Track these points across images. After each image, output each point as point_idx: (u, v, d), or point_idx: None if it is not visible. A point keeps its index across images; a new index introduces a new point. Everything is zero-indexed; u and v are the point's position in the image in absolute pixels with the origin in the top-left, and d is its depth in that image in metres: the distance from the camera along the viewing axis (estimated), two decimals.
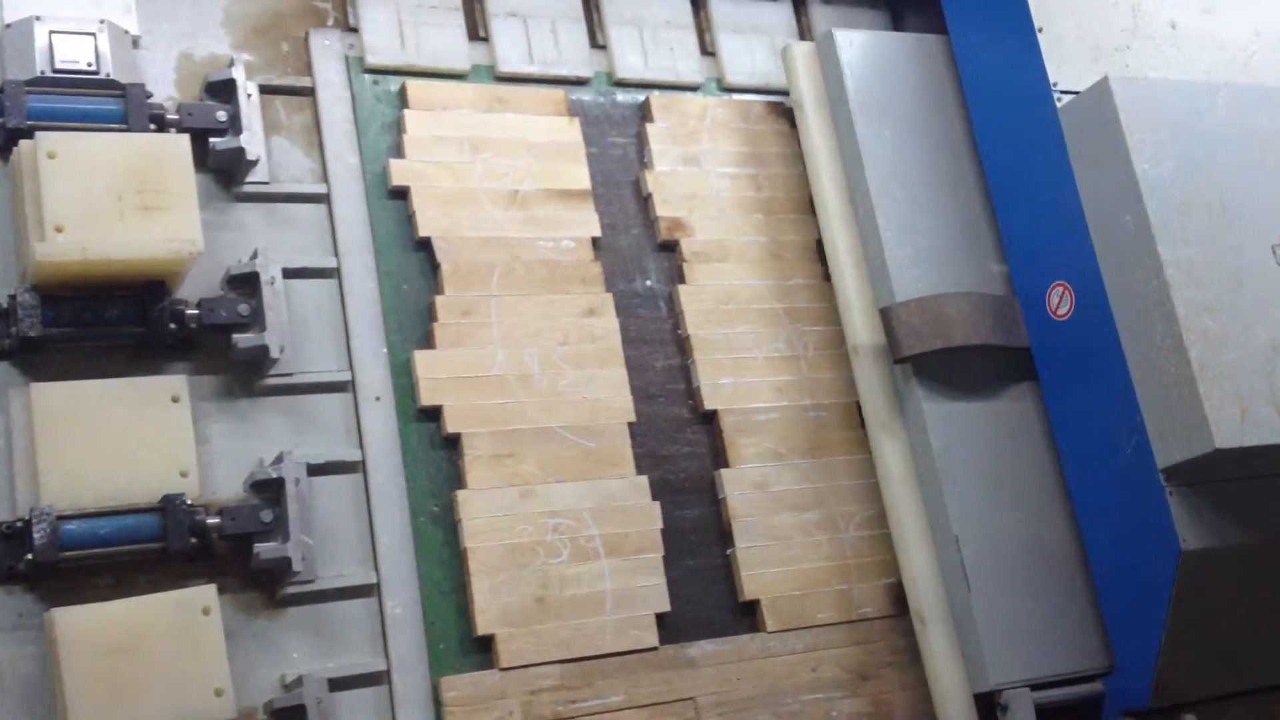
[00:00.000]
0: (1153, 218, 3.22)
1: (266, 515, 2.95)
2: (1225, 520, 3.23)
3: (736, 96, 3.97)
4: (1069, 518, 3.51)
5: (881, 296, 3.60)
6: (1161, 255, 3.20)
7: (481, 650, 3.09)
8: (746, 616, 3.40)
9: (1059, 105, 3.48)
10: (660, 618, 3.27)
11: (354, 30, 3.53)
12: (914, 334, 3.47)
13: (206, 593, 2.81)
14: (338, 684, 2.94)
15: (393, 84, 3.51)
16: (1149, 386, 3.22)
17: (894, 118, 3.77)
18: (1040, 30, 3.56)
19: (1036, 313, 3.53)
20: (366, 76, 3.50)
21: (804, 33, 4.15)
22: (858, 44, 3.81)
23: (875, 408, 3.58)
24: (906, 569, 3.47)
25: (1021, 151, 3.59)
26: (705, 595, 3.39)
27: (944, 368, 3.54)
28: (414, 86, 3.50)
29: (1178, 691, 3.37)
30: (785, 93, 4.01)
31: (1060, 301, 3.46)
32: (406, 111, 3.47)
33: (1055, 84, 3.51)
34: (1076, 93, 3.48)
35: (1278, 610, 3.47)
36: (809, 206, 3.89)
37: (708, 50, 4.01)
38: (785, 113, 3.98)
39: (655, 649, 3.23)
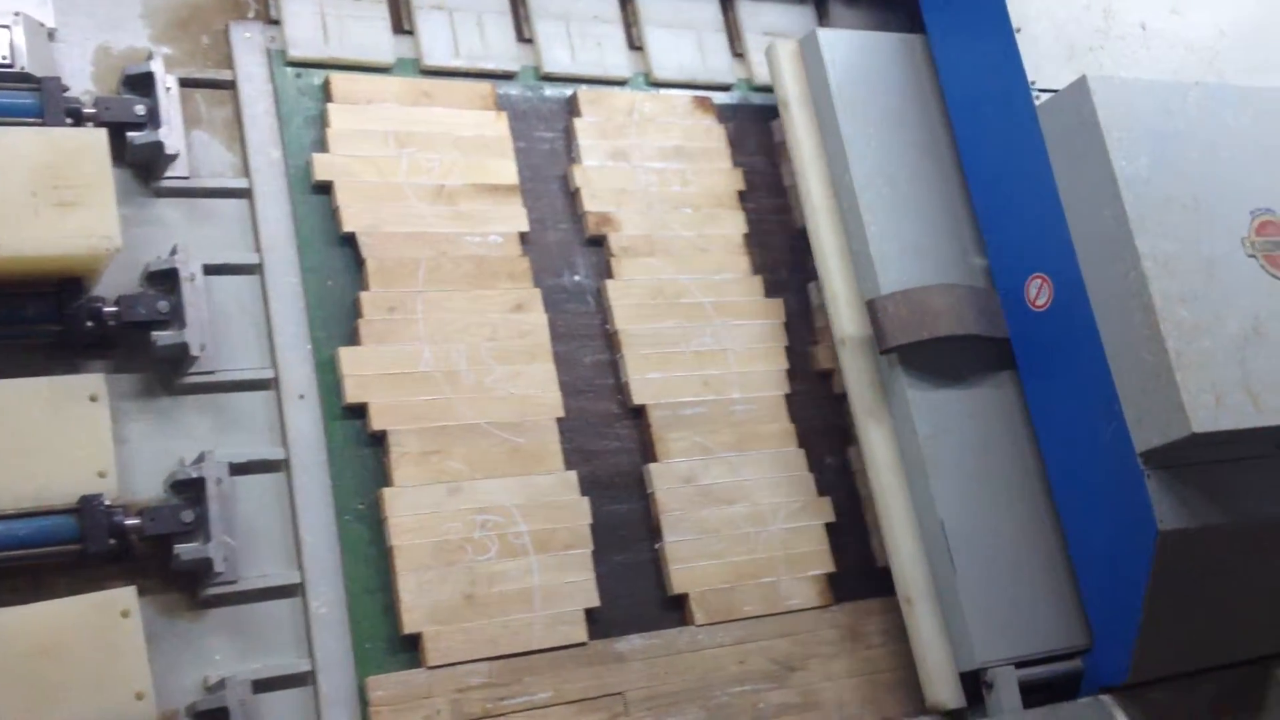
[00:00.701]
0: (1130, 212, 3.34)
1: (187, 515, 2.91)
2: (1201, 502, 3.36)
3: (664, 91, 3.97)
4: (1050, 501, 3.62)
5: (867, 289, 3.69)
6: (1139, 248, 3.31)
7: (408, 649, 3.07)
8: (675, 610, 3.40)
9: (1037, 104, 3.58)
10: (589, 613, 3.27)
11: (276, 23, 3.48)
12: (900, 325, 3.57)
13: (126, 595, 2.76)
14: (261, 685, 2.90)
15: (316, 77, 3.47)
16: (1126, 374, 3.35)
17: (877, 115, 3.86)
18: (1018, 31, 3.65)
19: (1015, 304, 3.65)
20: (289, 70, 3.45)
21: (731, 27, 4.16)
22: (840, 43, 3.89)
23: (862, 397, 3.67)
24: (893, 552, 3.56)
25: (1001, 148, 3.70)
26: (634, 590, 3.39)
27: (928, 358, 3.64)
28: (338, 80, 3.47)
29: (1155, 667, 3.51)
30: (712, 87, 4.03)
31: (1039, 293, 3.58)
32: (330, 105, 3.43)
33: (1033, 83, 3.61)
34: (1053, 91, 3.58)
35: (1251, 588, 3.61)
36: (736, 200, 3.90)
37: (635, 45, 4.00)
38: (712, 108, 3.99)
39: (584, 644, 3.22)
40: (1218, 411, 3.23)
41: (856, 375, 3.68)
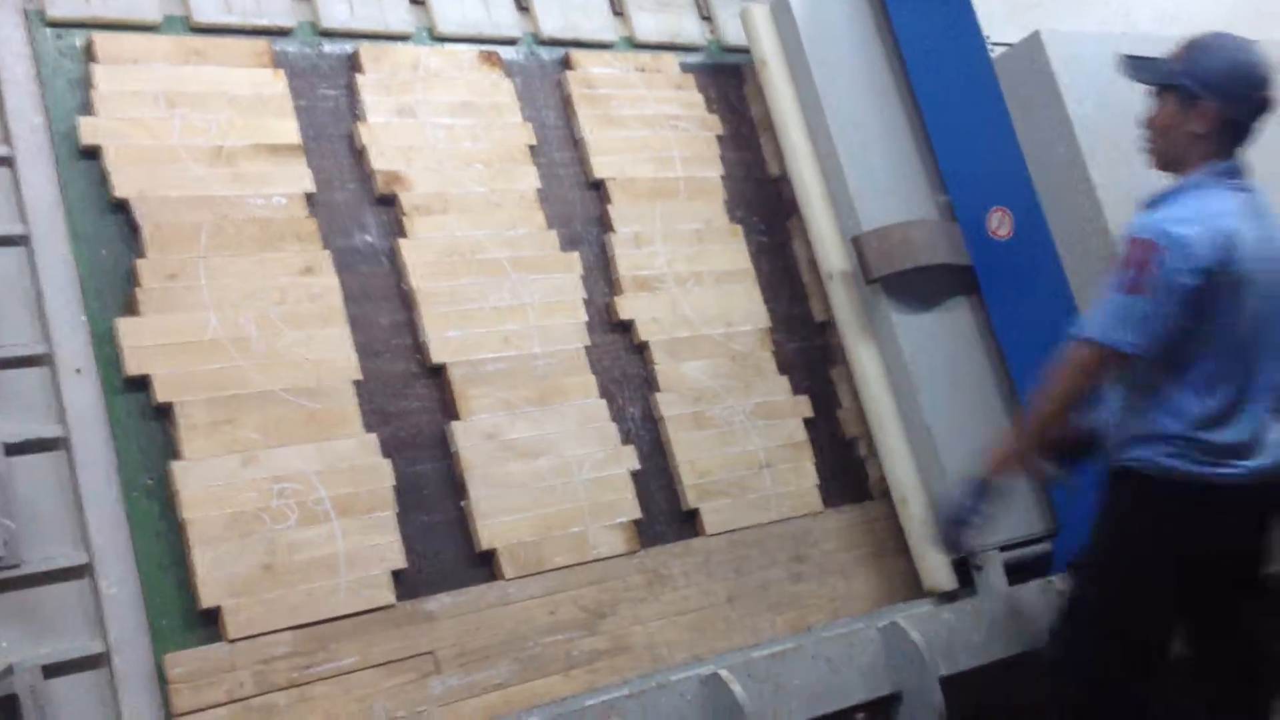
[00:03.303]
0: (1084, 148, 3.89)
1: None
2: None
3: (449, 46, 3.91)
4: (1019, 406, 3.99)
5: (849, 227, 4.06)
6: (1093, 179, 3.89)
7: (208, 623, 2.99)
8: (484, 566, 3.39)
9: (993, 56, 4.07)
10: (396, 575, 3.23)
11: None
12: (881, 257, 3.98)
13: None
14: (52, 670, 2.78)
15: (78, 38, 3.31)
16: (1087, 291, 3.81)
17: (843, 68, 4.21)
18: None
19: (978, 234, 4.08)
20: (49, 30, 3.29)
21: None
22: (808, 4, 4.21)
23: (850, 324, 4.07)
24: (886, 459, 3.99)
25: (960, 96, 4.12)
26: (442, 549, 3.37)
27: (906, 285, 4.05)
28: (101, 40, 3.31)
29: None
30: (498, 41, 4.00)
31: (1000, 224, 4.04)
32: (95, 66, 3.28)
33: (988, 37, 4.10)
34: (1003, 45, 4.12)
35: None
36: (528, 155, 3.88)
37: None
38: (500, 62, 3.95)
39: (392, 606, 3.19)
40: None
41: (844, 305, 4.07)
